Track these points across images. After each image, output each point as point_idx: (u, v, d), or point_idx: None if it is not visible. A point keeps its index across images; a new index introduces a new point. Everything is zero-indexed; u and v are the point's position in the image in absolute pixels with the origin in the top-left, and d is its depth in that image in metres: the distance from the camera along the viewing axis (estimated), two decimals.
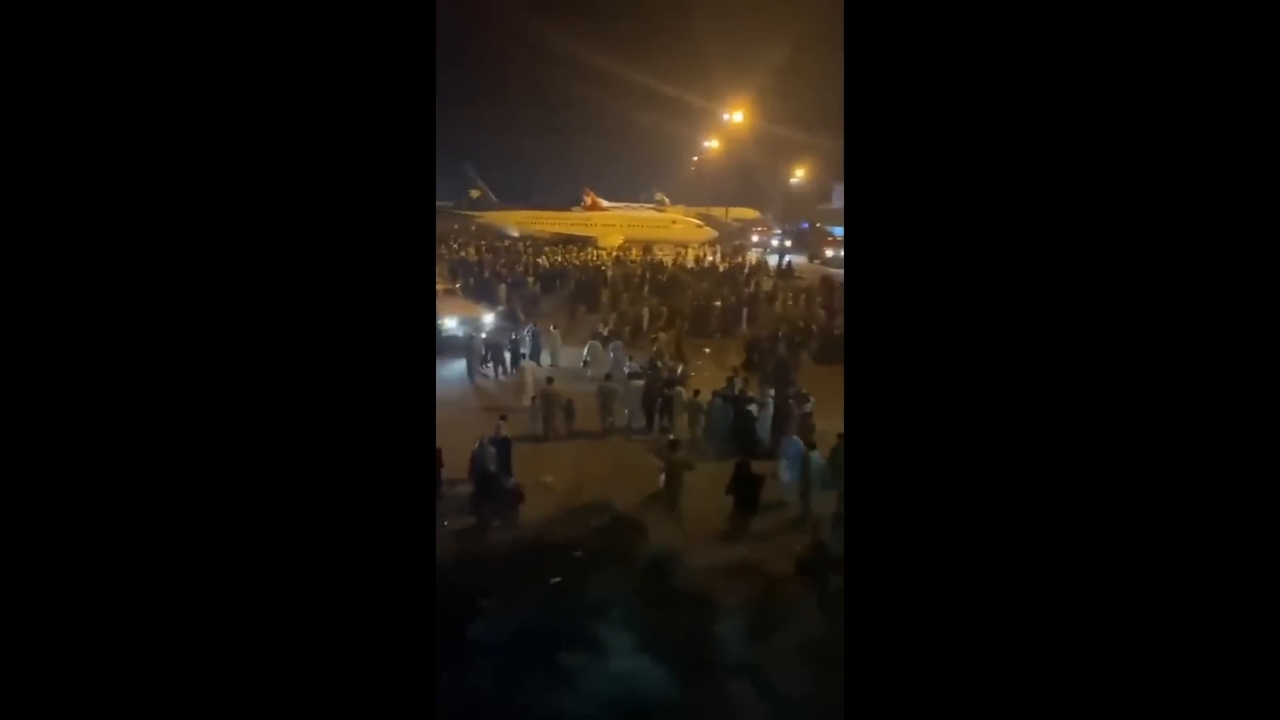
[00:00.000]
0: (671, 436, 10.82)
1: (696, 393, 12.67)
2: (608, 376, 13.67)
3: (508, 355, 15.99)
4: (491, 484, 8.70)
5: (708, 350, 17.86)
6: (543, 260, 33.21)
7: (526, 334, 17.01)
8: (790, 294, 25.44)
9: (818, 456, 9.63)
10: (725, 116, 42.13)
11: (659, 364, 14.50)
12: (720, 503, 9.51)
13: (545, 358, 16.57)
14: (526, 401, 12.88)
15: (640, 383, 13.24)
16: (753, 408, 11.56)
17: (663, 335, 17.95)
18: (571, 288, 25.54)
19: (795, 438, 10.33)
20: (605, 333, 17.51)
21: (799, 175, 47.12)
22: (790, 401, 11.83)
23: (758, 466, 9.59)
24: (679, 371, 13.84)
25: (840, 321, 20.43)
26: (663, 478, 9.49)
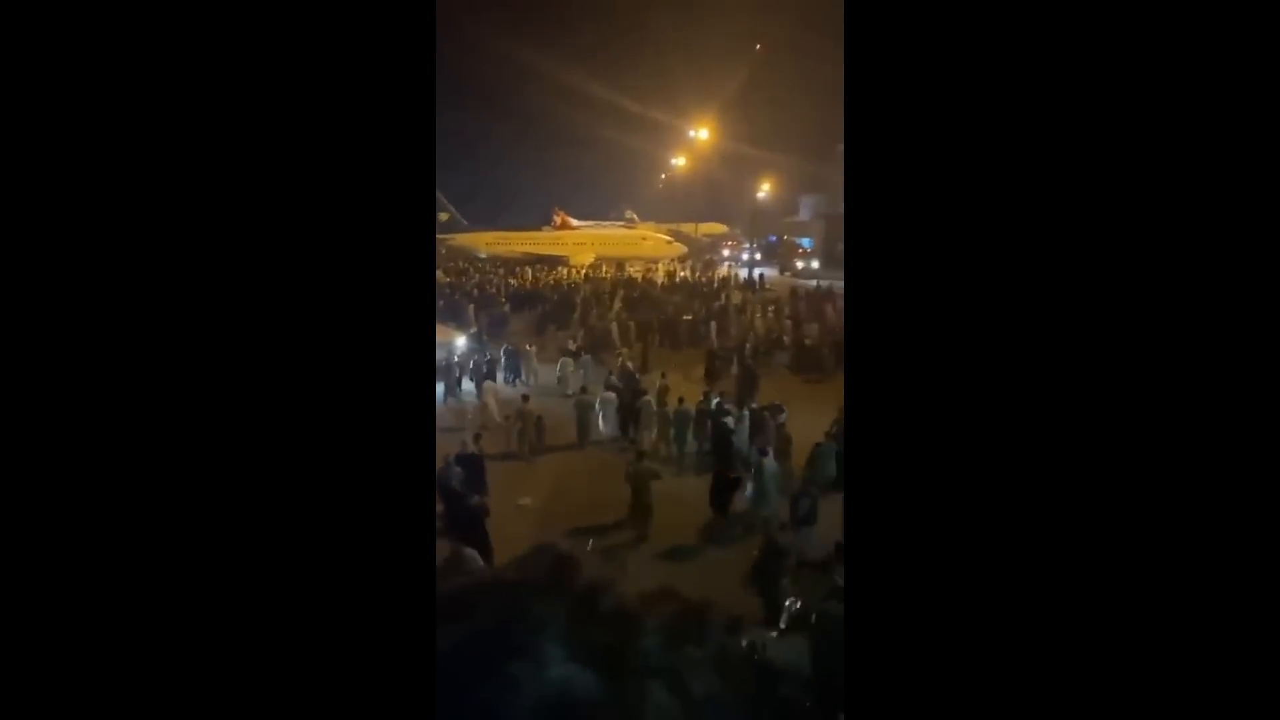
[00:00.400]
0: (639, 449, 10.85)
1: (664, 402, 12.86)
2: (583, 390, 13.78)
3: (486, 374, 16.09)
4: (459, 503, 8.51)
5: (676, 365, 18.00)
6: (513, 281, 33.22)
7: (502, 354, 17.20)
8: (759, 306, 25.66)
9: (770, 463, 9.80)
10: (691, 133, 42.51)
11: (638, 376, 14.70)
12: (693, 513, 9.66)
13: (527, 377, 16.78)
14: (498, 419, 12.97)
15: (614, 395, 13.44)
16: (729, 420, 11.69)
17: (625, 350, 18.20)
18: (543, 306, 25.59)
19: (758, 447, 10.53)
20: (574, 349, 17.68)
21: (765, 189, 47.54)
22: (765, 412, 11.99)
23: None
24: (658, 384, 13.98)
25: (807, 330, 20.79)
26: (630, 490, 9.52)
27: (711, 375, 16.46)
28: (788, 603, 7.13)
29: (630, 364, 16.27)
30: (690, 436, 12.14)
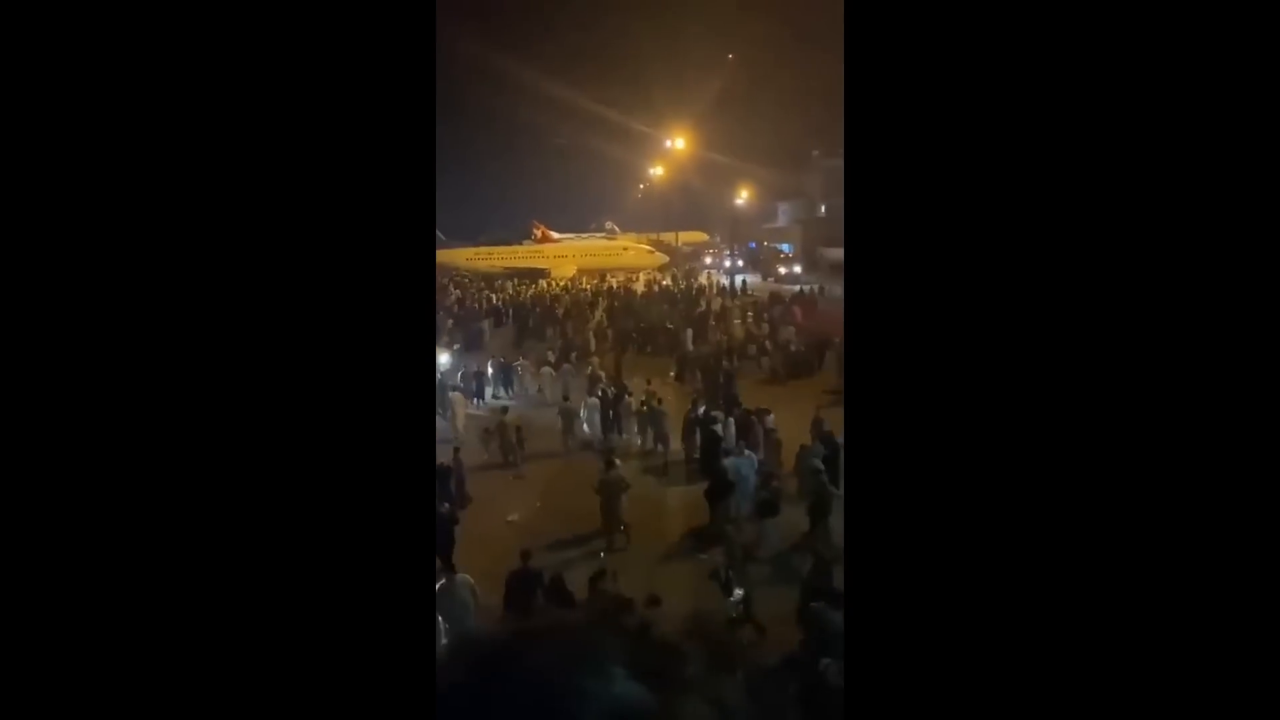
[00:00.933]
0: (608, 458, 10.74)
1: (644, 403, 13.10)
2: (565, 398, 13.97)
3: (474, 387, 16.32)
4: None
5: (654, 372, 18.19)
6: (494, 296, 33.30)
7: (490, 367, 17.39)
8: (739, 311, 25.90)
9: (732, 461, 9.86)
10: (668, 143, 42.88)
11: (626, 384, 15.03)
12: (681, 519, 9.64)
13: (519, 389, 17.05)
14: (461, 431, 13.11)
15: (597, 400, 13.71)
16: (717, 427, 11.75)
17: (596, 359, 18.45)
18: (522, 320, 25.76)
19: (743, 452, 10.58)
20: (553, 359, 17.87)
21: (743, 197, 48.06)
22: (752, 416, 12.06)
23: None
24: (645, 389, 14.17)
25: (783, 334, 20.94)
26: (600, 500, 9.48)
27: (681, 378, 17.05)
28: (734, 596, 7.14)
29: (606, 372, 16.52)
30: (676, 440, 12.21)
